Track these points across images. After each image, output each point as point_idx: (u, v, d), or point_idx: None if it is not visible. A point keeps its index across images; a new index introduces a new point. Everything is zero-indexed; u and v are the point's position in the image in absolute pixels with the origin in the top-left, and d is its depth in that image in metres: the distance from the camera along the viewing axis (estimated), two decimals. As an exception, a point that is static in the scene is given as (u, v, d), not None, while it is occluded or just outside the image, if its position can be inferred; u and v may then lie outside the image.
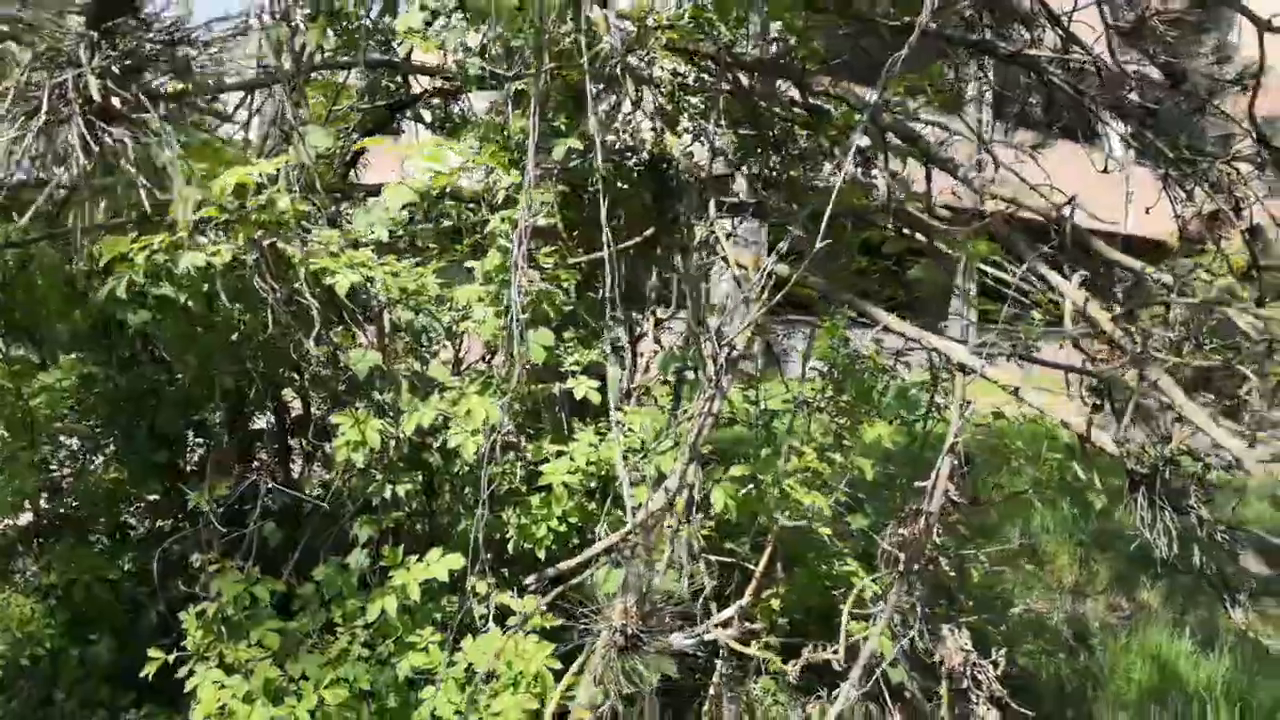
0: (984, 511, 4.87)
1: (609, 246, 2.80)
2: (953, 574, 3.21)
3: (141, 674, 3.30)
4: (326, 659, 3.29)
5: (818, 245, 2.82)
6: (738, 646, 2.53)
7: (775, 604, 3.59)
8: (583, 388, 3.61)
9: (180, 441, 4.99)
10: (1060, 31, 5.05)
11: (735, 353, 2.91)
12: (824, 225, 2.73)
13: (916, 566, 2.77)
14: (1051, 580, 7.23)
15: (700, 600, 3.01)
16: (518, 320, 3.03)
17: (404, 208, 3.58)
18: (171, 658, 3.31)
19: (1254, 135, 4.75)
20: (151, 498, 5.05)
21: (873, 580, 3.23)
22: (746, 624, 3.02)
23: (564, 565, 2.57)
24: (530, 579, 2.85)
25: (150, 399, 4.73)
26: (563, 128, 3.68)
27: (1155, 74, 5.06)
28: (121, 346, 4.70)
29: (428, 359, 4.11)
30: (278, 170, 3.25)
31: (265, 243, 3.07)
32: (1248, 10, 4.38)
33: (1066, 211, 3.20)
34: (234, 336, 4.18)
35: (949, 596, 3.39)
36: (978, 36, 4.94)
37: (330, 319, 3.89)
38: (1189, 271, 2.66)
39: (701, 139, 3.78)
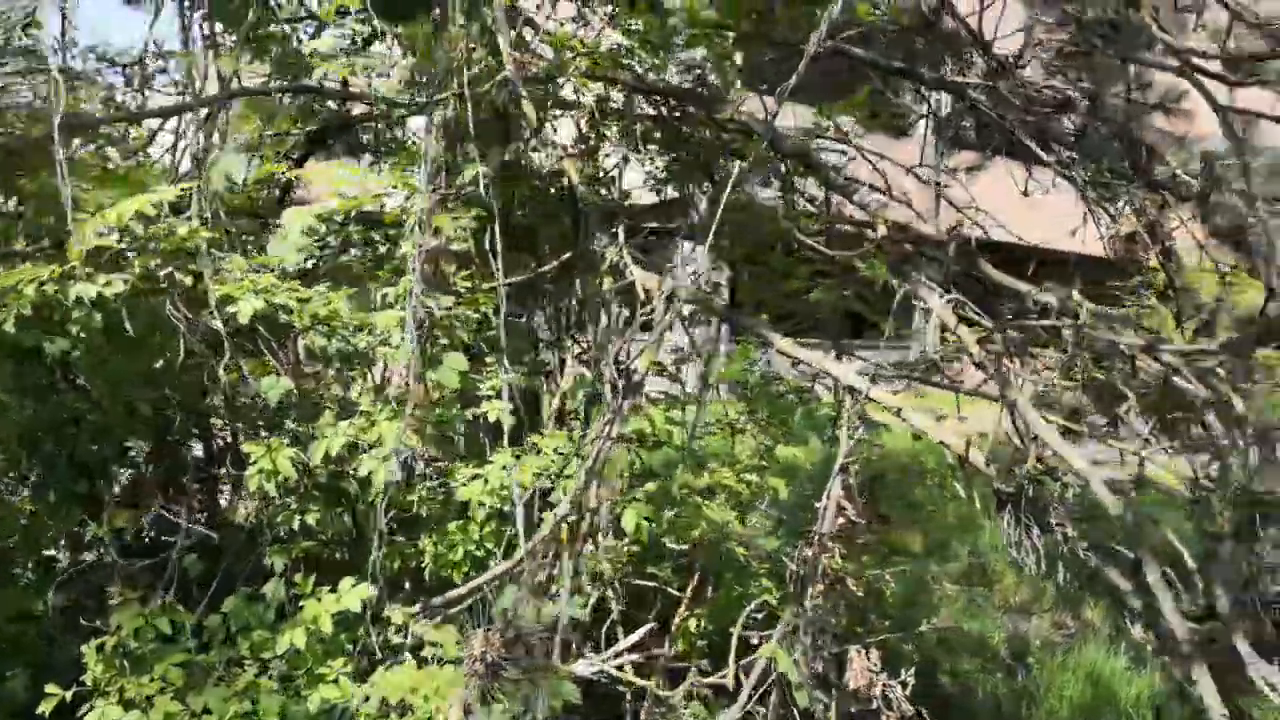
0: (891, 530, 4.89)
1: (499, 274, 2.79)
2: (861, 594, 3.21)
3: (38, 711, 3.22)
4: (232, 692, 3.23)
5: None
6: (628, 677, 2.50)
7: (693, 626, 3.57)
8: (494, 412, 3.59)
9: (103, 472, 4.90)
10: (987, 57, 5.14)
11: (636, 377, 2.91)
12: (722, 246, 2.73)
13: (815, 587, 2.77)
14: (998, 598, 7.26)
15: (605, 626, 2.99)
16: (414, 344, 3.01)
17: (314, 233, 3.55)
18: (69, 694, 3.23)
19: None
20: (75, 529, 4.96)
21: (779, 601, 3.23)
22: (653, 650, 3.00)
23: (454, 593, 2.54)
24: (415, 606, 2.81)
25: (70, 427, 4.65)
26: (476, 153, 3.68)
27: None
28: (38, 374, 4.62)
29: (348, 385, 4.07)
30: (182, 196, 3.22)
31: (163, 271, 3.03)
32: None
33: (975, 231, 3.22)
34: (156, 364, 4.13)
35: (861, 617, 3.39)
36: (900, 64, 5.01)
37: (244, 346, 3.86)
38: (1074, 291, 2.69)
39: (621, 164, 3.80)
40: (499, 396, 3.69)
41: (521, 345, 4.30)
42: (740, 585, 3.58)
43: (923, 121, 6.26)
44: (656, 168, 4.64)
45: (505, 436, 3.56)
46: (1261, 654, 1.72)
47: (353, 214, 3.68)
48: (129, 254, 3.15)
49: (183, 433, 4.85)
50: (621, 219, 3.37)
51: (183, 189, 3.26)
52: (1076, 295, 2.71)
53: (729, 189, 3.22)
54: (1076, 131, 5.13)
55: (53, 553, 5.09)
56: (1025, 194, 4.93)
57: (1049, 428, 2.08)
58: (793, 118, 5.91)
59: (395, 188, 3.60)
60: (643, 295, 3.26)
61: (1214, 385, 2.63)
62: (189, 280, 3.14)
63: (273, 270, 3.73)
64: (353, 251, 3.85)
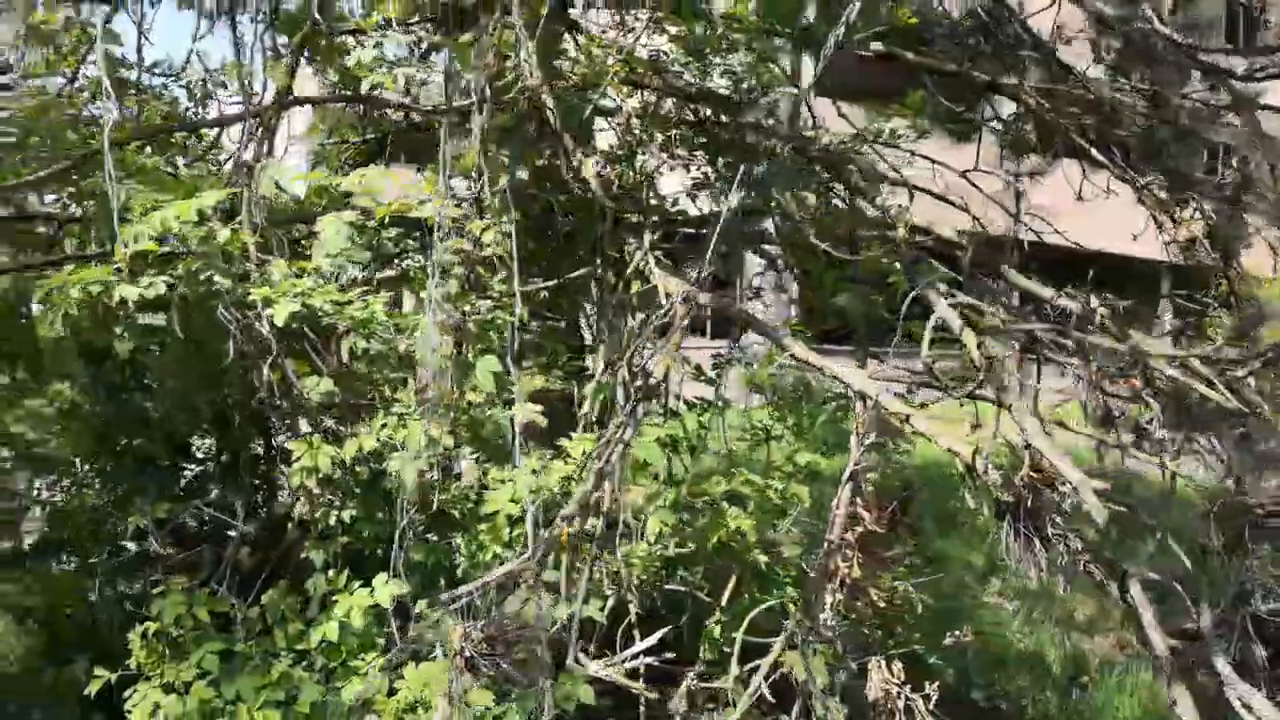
0: (919, 539, 4.78)
1: (515, 278, 2.84)
2: (884, 605, 3.17)
3: (84, 693, 3.39)
4: (265, 681, 3.34)
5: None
6: (624, 681, 2.51)
7: (718, 632, 3.56)
8: (523, 414, 3.63)
9: (171, 466, 5.12)
10: (1050, 60, 5.00)
11: (653, 380, 2.92)
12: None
13: (826, 596, 2.74)
14: (1061, 613, 7.03)
15: (621, 629, 3.01)
16: (432, 350, 3.08)
17: (352, 239, 3.66)
18: (114, 677, 3.39)
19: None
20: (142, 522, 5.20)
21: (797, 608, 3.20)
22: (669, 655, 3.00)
23: (458, 590, 2.58)
24: (422, 602, 2.87)
25: (139, 426, 4.87)
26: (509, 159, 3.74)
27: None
28: (110, 375, 4.85)
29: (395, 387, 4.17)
30: (222, 203, 3.35)
31: (203, 275, 3.17)
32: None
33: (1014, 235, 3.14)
34: (217, 365, 4.30)
35: (887, 628, 3.35)
36: (954, 66, 4.91)
37: (294, 347, 3.99)
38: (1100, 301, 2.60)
39: (651, 171, 3.82)
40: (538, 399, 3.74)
41: (561, 349, 4.34)
42: (765, 593, 3.55)
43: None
44: (701, 173, 4.64)
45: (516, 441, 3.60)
46: (1252, 670, 1.64)
47: (386, 220, 3.77)
48: (179, 256, 3.29)
49: (243, 430, 5.03)
50: (649, 225, 3.39)
51: (228, 194, 3.40)
52: (1094, 301, 2.63)
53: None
54: (1138, 133, 4.95)
55: (125, 543, 5.35)
56: (1080, 198, 4.77)
57: (1043, 435, 2.02)
58: (850, 122, 5.87)
59: (431, 194, 3.68)
60: (664, 299, 3.28)
61: (1245, 396, 2.51)
62: (227, 284, 3.27)
63: (325, 274, 3.84)
64: (407, 258, 3.95)
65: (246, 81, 4.03)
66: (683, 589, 3.84)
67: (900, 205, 3.30)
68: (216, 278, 3.18)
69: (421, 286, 4.12)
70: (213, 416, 4.74)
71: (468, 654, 2.01)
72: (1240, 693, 1.66)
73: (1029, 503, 1.95)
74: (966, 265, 2.90)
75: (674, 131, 4.01)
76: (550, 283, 3.85)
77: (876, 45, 4.81)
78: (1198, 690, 1.67)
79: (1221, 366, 2.56)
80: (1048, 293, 2.84)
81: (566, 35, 4.37)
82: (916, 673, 3.42)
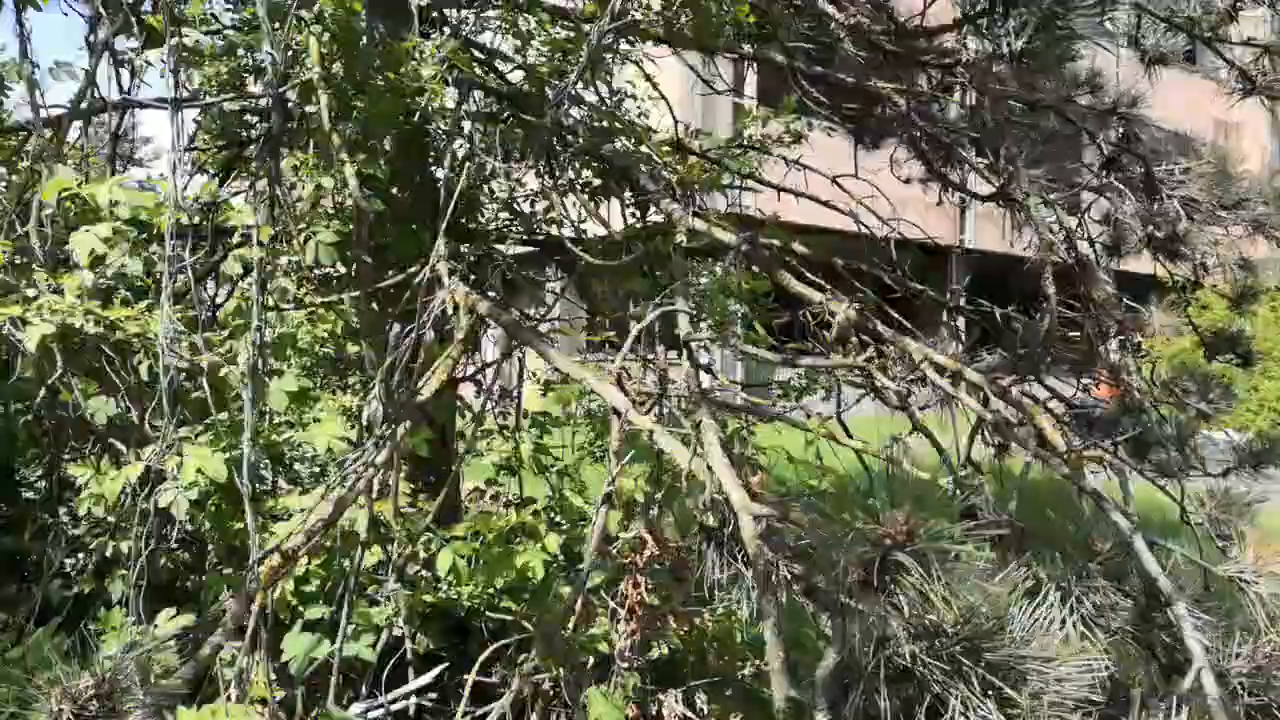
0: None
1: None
2: (684, 633, 2.97)
3: None
4: (21, 731, 3.06)
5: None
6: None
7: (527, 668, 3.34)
8: (323, 439, 3.39)
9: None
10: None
11: (419, 399, 2.70)
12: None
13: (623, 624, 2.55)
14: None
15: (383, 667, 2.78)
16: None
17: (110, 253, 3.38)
18: None
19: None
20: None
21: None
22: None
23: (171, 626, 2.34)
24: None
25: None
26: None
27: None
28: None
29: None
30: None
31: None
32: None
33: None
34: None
35: (684, 659, 3.15)
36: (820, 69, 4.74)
37: (94, 366, 3.73)
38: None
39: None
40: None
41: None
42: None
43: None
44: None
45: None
46: None
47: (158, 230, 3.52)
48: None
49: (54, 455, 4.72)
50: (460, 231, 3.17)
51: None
52: (851, 308, 2.45)
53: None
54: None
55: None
56: (939, 203, 4.64)
57: (722, 455, 1.82)
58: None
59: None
60: (451, 309, 3.07)
61: (1022, 408, 2.35)
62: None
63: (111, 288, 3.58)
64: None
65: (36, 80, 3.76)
66: (508, 619, 3.62)
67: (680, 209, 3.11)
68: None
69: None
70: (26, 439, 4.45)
71: (69, 714, 1.78)
72: None
73: (730, 527, 1.76)
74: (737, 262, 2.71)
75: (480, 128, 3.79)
76: (356, 293, 3.62)
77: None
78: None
79: (993, 376, 2.40)
80: (818, 296, 2.66)
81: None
82: (747, 705, 3.22)
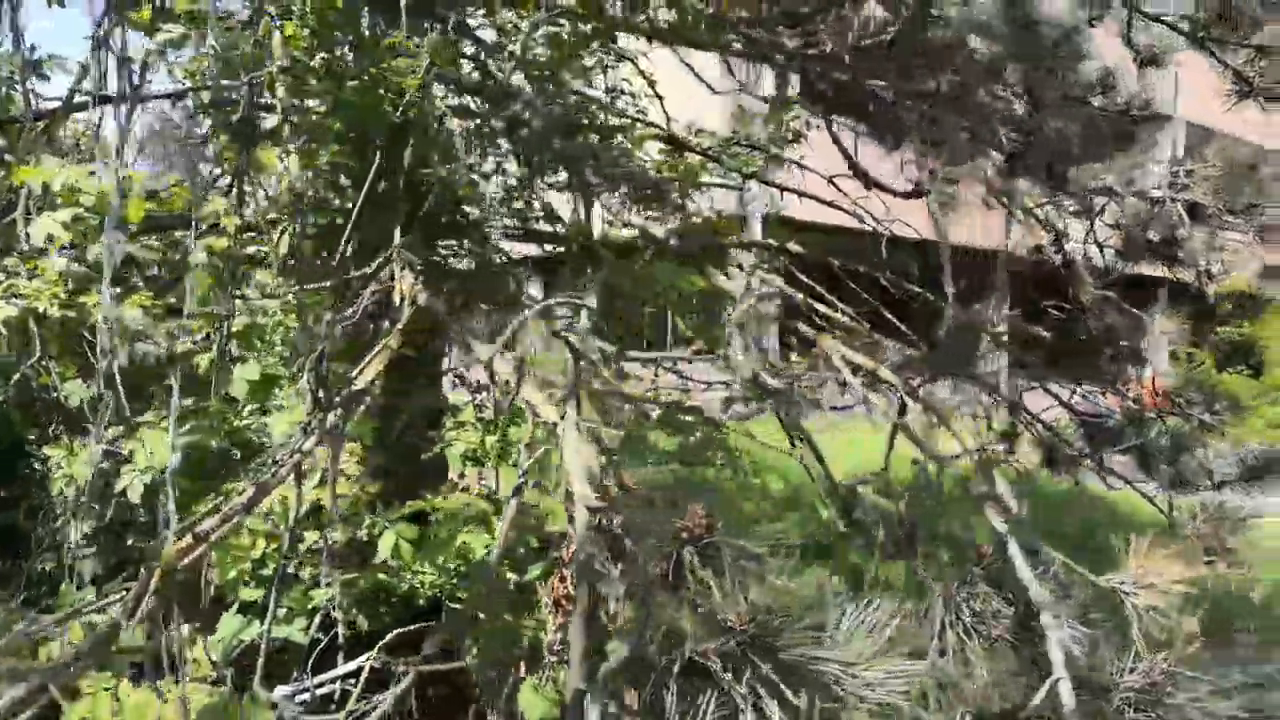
0: None
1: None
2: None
3: None
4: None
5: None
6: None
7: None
8: (282, 425, 3.45)
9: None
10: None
11: (352, 390, 2.73)
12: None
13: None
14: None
15: (313, 651, 2.81)
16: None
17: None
18: None
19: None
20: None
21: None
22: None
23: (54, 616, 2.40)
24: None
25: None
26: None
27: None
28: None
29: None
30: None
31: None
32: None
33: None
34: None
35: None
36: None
37: (76, 349, 3.84)
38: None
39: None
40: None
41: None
42: (516, 615, 3.34)
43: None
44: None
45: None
46: None
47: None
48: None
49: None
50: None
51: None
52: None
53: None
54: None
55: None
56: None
57: (579, 454, 1.80)
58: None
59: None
60: (398, 300, 3.10)
61: (933, 407, 2.30)
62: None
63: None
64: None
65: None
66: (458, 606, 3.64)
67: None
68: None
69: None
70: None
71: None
72: None
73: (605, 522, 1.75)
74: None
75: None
76: (325, 283, 3.67)
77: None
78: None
79: (906, 377, 2.35)
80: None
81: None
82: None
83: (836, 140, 3.90)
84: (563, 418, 1.95)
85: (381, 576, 3.17)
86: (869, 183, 4.18)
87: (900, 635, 1.78)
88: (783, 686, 1.47)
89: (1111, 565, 2.46)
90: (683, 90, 5.46)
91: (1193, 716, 1.91)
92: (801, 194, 5.51)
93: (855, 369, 2.46)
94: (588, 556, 1.55)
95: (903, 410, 2.39)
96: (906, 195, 4.01)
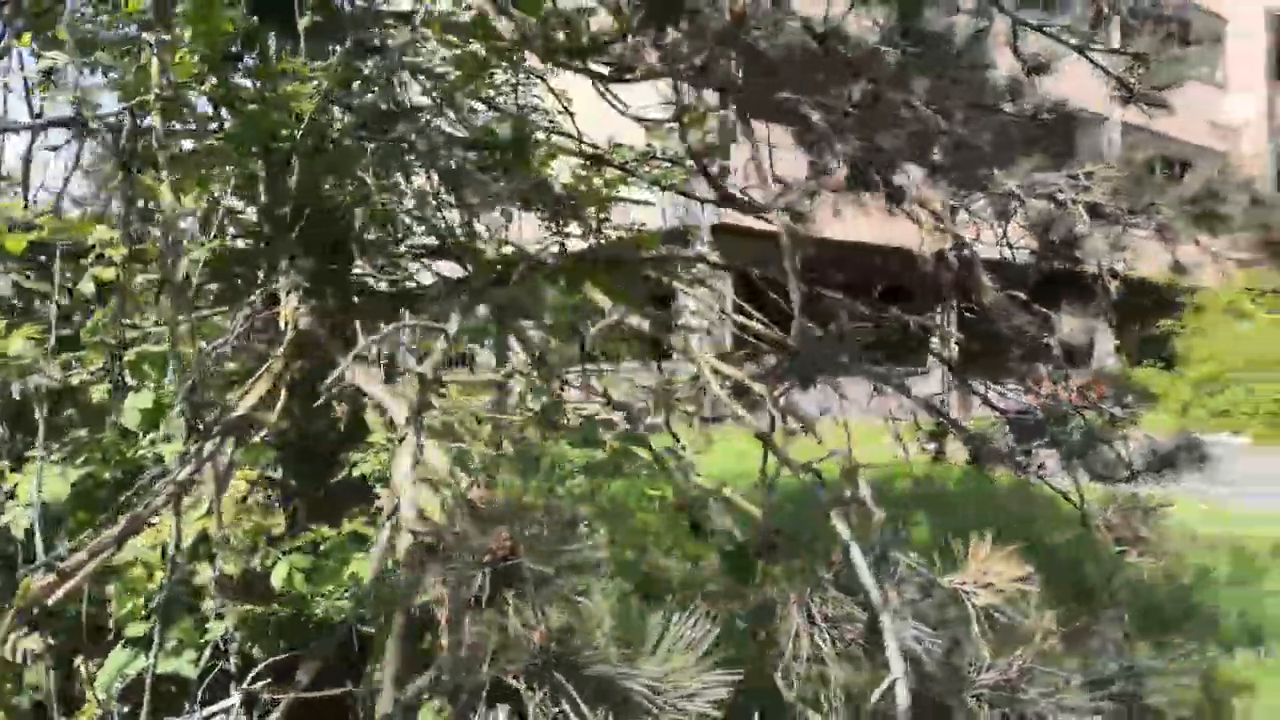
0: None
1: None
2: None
3: None
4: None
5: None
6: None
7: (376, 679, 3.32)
8: (170, 455, 3.39)
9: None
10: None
11: (234, 417, 2.70)
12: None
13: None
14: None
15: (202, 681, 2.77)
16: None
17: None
18: None
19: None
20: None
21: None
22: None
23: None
24: None
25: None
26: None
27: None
28: None
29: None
30: None
31: None
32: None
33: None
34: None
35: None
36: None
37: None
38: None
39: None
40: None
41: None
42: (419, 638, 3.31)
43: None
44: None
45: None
46: None
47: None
48: None
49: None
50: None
51: None
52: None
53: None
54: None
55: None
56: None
57: (408, 475, 1.80)
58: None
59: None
60: (283, 325, 3.07)
61: (797, 414, 2.32)
62: None
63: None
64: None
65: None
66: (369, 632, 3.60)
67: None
68: None
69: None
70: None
71: None
72: None
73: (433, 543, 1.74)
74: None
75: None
76: (224, 308, 3.63)
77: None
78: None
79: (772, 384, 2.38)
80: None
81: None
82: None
83: (755, 149, 3.95)
84: (402, 440, 1.94)
85: (276, 606, 3.13)
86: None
87: (761, 642, 1.80)
88: (581, 704, 1.47)
89: (1035, 558, 2.51)
90: (602, 108, 5.47)
91: (1046, 710, 1.94)
92: (719, 203, 5.54)
93: (724, 379, 2.48)
94: (409, 581, 1.54)
95: (773, 421, 2.42)
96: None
